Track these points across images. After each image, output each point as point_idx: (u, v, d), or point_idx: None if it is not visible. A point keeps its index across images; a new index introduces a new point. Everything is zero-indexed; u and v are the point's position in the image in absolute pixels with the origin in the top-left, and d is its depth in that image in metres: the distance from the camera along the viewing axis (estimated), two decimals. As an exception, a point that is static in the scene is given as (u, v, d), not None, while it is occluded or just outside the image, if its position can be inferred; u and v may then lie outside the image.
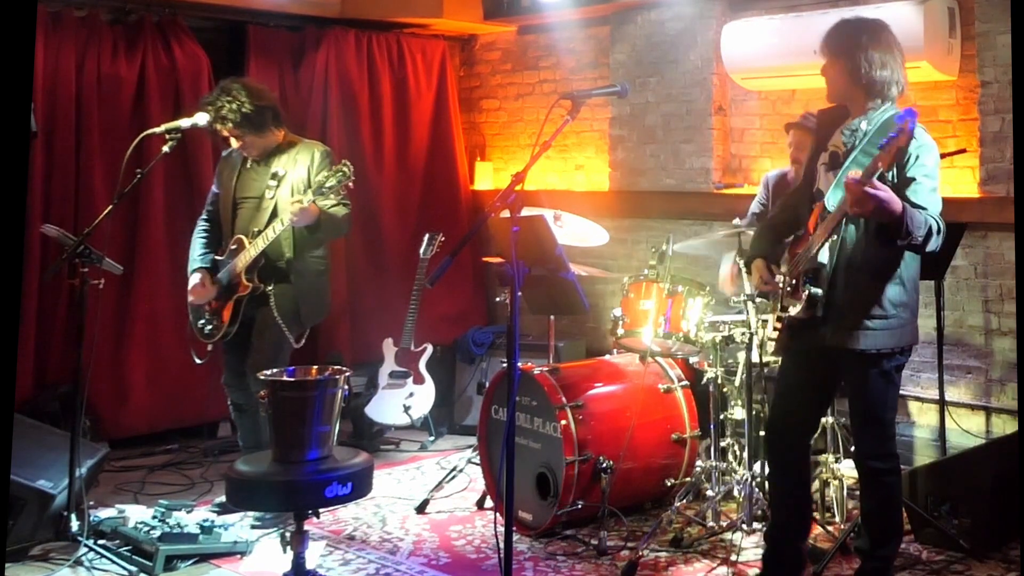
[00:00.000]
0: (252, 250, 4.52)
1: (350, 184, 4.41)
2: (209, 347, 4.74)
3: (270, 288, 4.57)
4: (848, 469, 4.30)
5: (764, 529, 3.92)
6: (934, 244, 3.30)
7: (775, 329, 3.60)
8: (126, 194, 4.46)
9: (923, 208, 3.29)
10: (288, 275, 4.60)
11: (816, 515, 4.21)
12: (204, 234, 4.81)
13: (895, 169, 3.32)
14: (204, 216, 4.87)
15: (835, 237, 3.42)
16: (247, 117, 4.54)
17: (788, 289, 3.55)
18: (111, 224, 4.52)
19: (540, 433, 4.50)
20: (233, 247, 4.63)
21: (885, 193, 3.15)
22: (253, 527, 4.46)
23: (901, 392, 5.11)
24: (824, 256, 3.42)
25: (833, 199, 3.42)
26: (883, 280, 3.41)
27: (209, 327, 4.67)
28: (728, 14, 5.96)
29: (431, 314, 6.45)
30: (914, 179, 3.33)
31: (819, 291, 3.41)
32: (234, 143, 4.65)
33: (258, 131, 4.61)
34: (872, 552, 3.57)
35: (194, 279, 4.68)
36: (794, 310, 3.49)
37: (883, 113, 3.46)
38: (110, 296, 5.34)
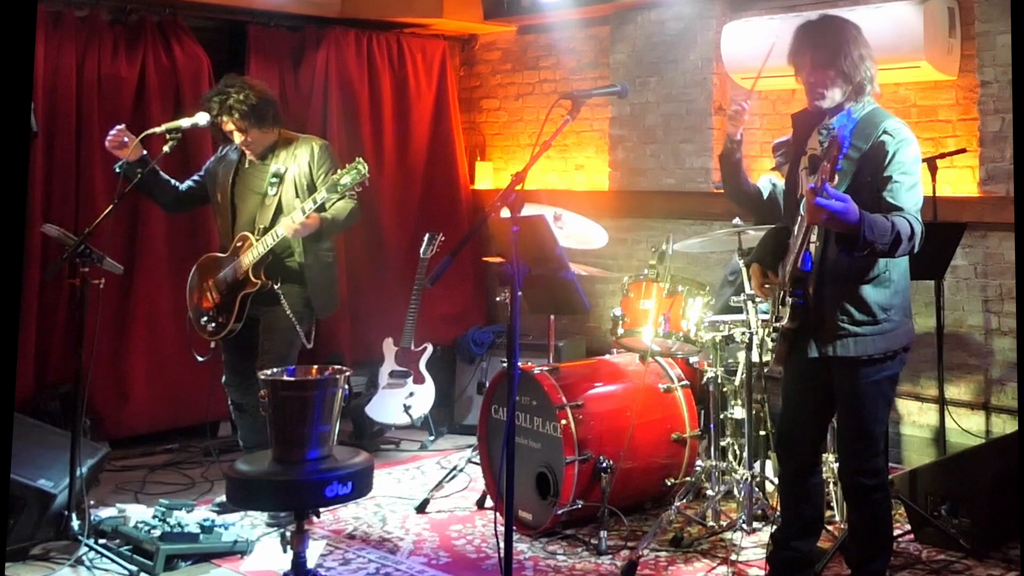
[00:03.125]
0: (260, 247, 4.50)
1: (365, 183, 4.40)
2: (212, 345, 4.75)
3: (278, 287, 4.57)
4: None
5: (771, 530, 3.85)
6: (905, 248, 3.18)
7: (771, 340, 3.53)
8: (126, 194, 4.46)
9: (899, 209, 3.20)
10: (297, 271, 4.60)
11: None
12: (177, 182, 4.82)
13: (873, 168, 3.25)
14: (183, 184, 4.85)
15: (816, 244, 3.31)
16: (253, 109, 4.53)
17: (779, 298, 3.45)
18: (111, 224, 4.52)
19: (540, 433, 4.50)
20: (239, 244, 4.61)
21: (837, 204, 3.06)
22: (268, 524, 4.49)
23: (901, 392, 5.17)
24: (808, 264, 3.30)
25: (804, 207, 3.28)
26: (868, 284, 3.31)
27: (213, 324, 4.66)
28: (728, 14, 5.96)
29: (431, 314, 6.45)
30: (891, 178, 3.24)
31: (801, 301, 3.30)
32: (237, 138, 4.60)
33: (261, 125, 4.59)
34: (861, 566, 3.52)
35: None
36: (785, 320, 3.39)
37: (862, 109, 3.38)
38: (110, 296, 5.33)
